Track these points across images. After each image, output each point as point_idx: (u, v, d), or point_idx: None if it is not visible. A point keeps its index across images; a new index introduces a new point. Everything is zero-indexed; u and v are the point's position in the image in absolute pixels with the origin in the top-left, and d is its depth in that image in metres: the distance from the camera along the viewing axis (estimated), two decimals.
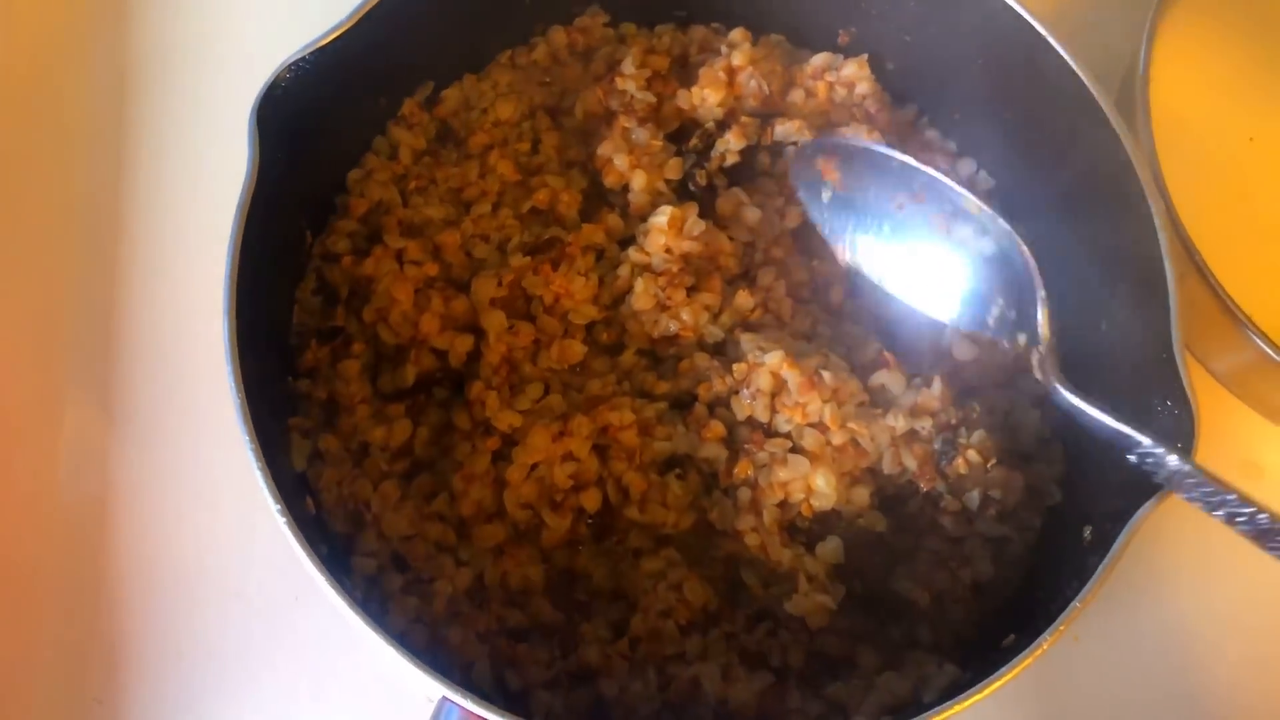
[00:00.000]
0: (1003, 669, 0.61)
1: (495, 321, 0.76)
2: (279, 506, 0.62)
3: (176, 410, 0.87)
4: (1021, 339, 0.70)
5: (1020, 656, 0.61)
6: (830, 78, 0.86)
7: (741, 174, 0.85)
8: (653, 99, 0.84)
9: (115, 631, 0.82)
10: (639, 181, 0.81)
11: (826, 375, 0.74)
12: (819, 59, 0.86)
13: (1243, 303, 0.81)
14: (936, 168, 0.85)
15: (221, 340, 0.65)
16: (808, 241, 0.85)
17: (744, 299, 0.79)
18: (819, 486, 0.72)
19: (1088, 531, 0.69)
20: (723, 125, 0.84)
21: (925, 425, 0.74)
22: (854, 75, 0.85)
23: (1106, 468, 0.73)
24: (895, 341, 0.81)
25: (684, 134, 0.85)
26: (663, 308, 0.78)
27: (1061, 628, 0.62)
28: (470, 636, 0.71)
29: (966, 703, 0.60)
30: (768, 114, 0.85)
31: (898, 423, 0.74)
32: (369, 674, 0.81)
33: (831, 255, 0.84)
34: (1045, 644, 0.62)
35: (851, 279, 0.84)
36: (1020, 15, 0.75)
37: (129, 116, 0.97)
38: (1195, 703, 0.85)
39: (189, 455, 0.86)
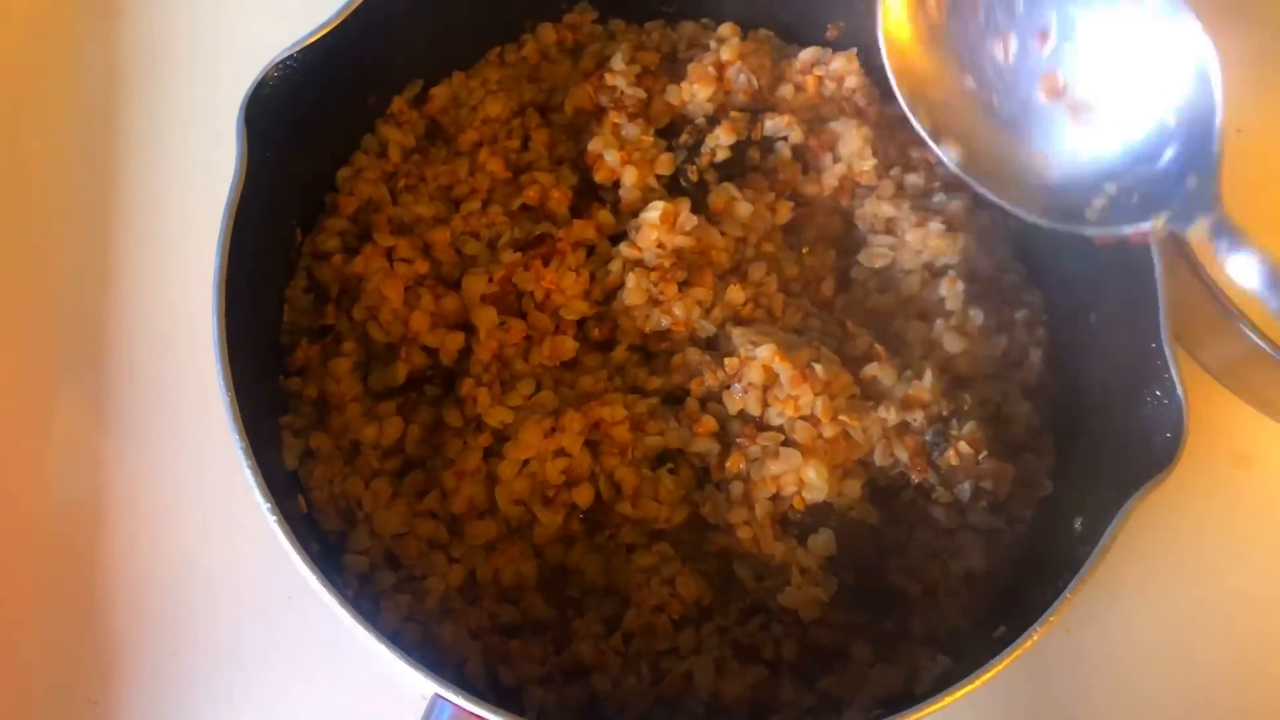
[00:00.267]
0: (992, 661, 0.61)
1: (486, 318, 0.76)
2: (269, 505, 0.62)
3: (168, 410, 0.87)
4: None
5: (1009, 648, 0.61)
6: (819, 72, 0.86)
7: (732, 169, 0.85)
8: (643, 95, 0.84)
9: (109, 632, 0.82)
10: (630, 177, 0.81)
11: (818, 368, 0.74)
12: (808, 53, 0.86)
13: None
14: (926, 161, 0.86)
15: (211, 340, 0.65)
16: (799, 236, 0.85)
17: (735, 294, 0.79)
18: (810, 479, 0.72)
19: (1078, 523, 0.69)
20: (713, 120, 0.84)
21: (917, 417, 0.74)
22: (843, 69, 0.85)
23: (1097, 458, 0.74)
24: (886, 334, 0.81)
25: (674, 130, 0.85)
26: (655, 303, 0.78)
27: (1052, 619, 0.62)
28: (463, 633, 0.71)
29: (956, 695, 0.61)
30: (757, 109, 0.85)
31: (889, 415, 0.74)
32: (363, 671, 0.81)
33: (823, 249, 0.85)
34: (1035, 636, 0.62)
35: (842, 272, 0.84)
36: None
37: (119, 116, 0.96)
38: (1187, 694, 0.85)
39: (181, 455, 0.86)
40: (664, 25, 0.90)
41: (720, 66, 0.84)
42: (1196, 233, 0.61)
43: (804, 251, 0.83)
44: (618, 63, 0.84)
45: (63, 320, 0.90)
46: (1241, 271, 0.59)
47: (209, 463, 0.85)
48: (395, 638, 0.61)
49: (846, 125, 0.84)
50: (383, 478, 0.75)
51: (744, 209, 0.81)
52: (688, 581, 0.73)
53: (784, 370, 0.74)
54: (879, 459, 0.74)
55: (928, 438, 0.74)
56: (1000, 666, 0.61)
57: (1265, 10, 0.92)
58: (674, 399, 0.78)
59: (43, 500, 0.85)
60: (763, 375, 0.74)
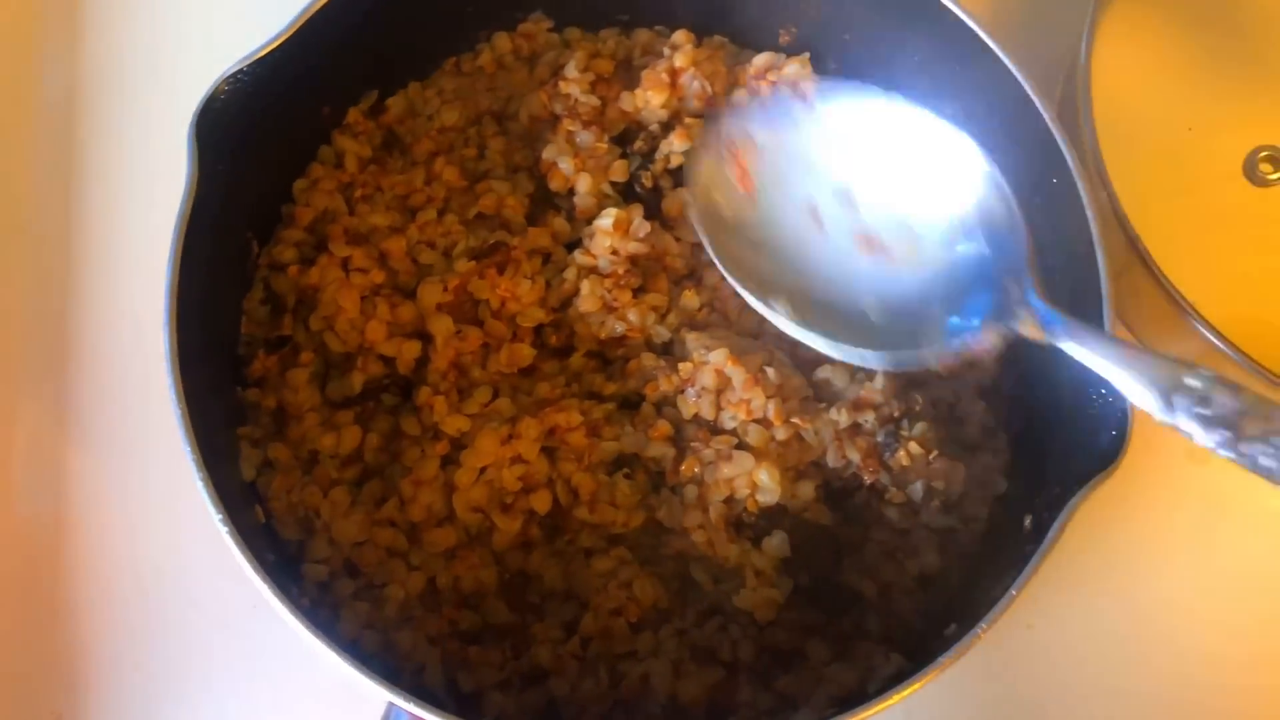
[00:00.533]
0: (940, 658, 0.62)
1: (442, 327, 0.77)
2: (220, 516, 0.63)
3: (131, 422, 0.87)
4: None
5: (957, 646, 0.62)
6: (773, 77, 0.86)
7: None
8: (597, 102, 0.84)
9: (73, 644, 0.83)
10: (584, 185, 0.82)
11: (770, 372, 0.75)
12: (761, 59, 0.87)
13: (1186, 292, 0.82)
14: None
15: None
16: None
17: (690, 299, 0.80)
18: (763, 482, 0.73)
19: (1028, 521, 0.70)
20: (667, 127, 0.85)
21: (868, 418, 0.75)
22: (796, 74, 0.86)
23: (1047, 457, 0.74)
24: None
25: (629, 136, 0.86)
26: (609, 309, 0.79)
27: (997, 616, 0.63)
28: (422, 640, 0.71)
29: (904, 693, 0.61)
30: (712, 114, 0.86)
31: (841, 417, 0.75)
32: (328, 680, 0.81)
33: None
34: (982, 632, 0.62)
35: None
36: (954, 13, 0.76)
37: (79, 130, 0.97)
38: (1151, 686, 0.86)
39: (144, 467, 0.86)
40: (619, 33, 0.90)
41: (674, 73, 0.85)
42: (1027, 330, 0.65)
43: None
44: (571, 71, 0.84)
45: (24, 333, 0.90)
46: (1078, 353, 0.62)
47: (172, 475, 0.83)
48: (353, 646, 0.62)
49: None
50: (341, 487, 0.75)
51: None
52: (645, 585, 0.73)
53: (736, 374, 0.74)
54: (832, 460, 0.75)
55: (879, 438, 0.75)
56: (947, 664, 0.62)
57: (1214, 11, 0.93)
58: (631, 404, 0.78)
59: (5, 512, 0.85)
60: (715, 379, 0.75)
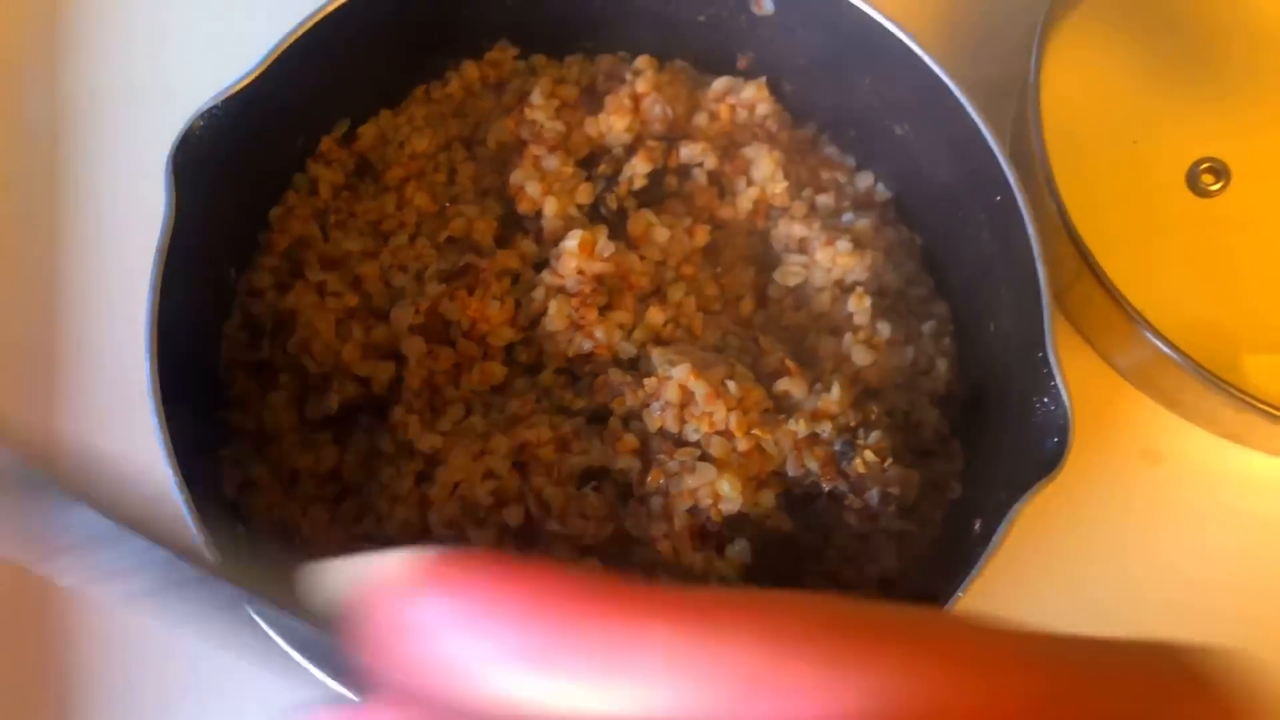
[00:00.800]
0: None
1: (415, 348, 0.79)
2: (204, 536, 0.65)
3: (115, 447, 0.90)
4: None
5: None
6: (732, 100, 0.89)
7: (651, 196, 0.88)
8: (562, 128, 0.87)
9: (62, 659, 0.85)
10: (551, 207, 0.85)
11: (731, 385, 0.77)
12: (720, 83, 0.90)
13: (1134, 300, 0.85)
14: (835, 182, 0.90)
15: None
16: (718, 257, 0.88)
17: (655, 315, 0.83)
18: (725, 491, 0.76)
19: (977, 525, 0.73)
20: (630, 150, 0.88)
21: (826, 428, 0.78)
22: (754, 97, 0.89)
23: (996, 463, 0.78)
24: (801, 349, 0.84)
25: (594, 160, 0.88)
26: (577, 327, 0.82)
27: None
28: None
29: None
30: (673, 137, 0.89)
31: (799, 427, 0.78)
32: (312, 692, 0.84)
33: (741, 269, 0.88)
34: None
35: (760, 291, 0.88)
36: (903, 42, 0.79)
37: (61, 164, 0.99)
38: None
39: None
40: (583, 59, 0.93)
41: (636, 98, 0.88)
42: None
43: (718, 272, 0.87)
44: (537, 97, 0.87)
45: (5, 361, 0.93)
46: None
47: (159, 493, 0.87)
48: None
49: (759, 150, 0.87)
50: (320, 504, 0.78)
51: (661, 234, 0.85)
52: None
53: (699, 388, 0.77)
54: (791, 469, 0.78)
55: (837, 447, 0.78)
56: None
57: (1159, 30, 0.97)
58: (599, 418, 0.81)
59: None
60: (679, 393, 0.77)
